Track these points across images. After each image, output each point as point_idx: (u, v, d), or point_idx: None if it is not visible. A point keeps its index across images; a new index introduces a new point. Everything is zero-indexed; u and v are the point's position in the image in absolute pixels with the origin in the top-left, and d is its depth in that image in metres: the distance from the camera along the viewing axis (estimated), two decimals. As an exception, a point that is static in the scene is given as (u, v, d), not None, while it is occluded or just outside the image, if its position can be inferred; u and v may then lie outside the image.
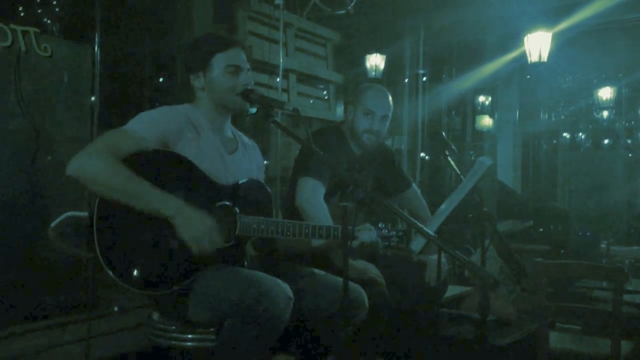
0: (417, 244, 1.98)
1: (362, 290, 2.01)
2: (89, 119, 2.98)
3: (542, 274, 2.50)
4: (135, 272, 1.67)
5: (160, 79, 3.60)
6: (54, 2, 2.88)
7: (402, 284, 2.46)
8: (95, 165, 1.63)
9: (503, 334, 3.14)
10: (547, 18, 4.89)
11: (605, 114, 7.24)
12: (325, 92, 5.09)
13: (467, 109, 7.86)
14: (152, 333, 1.91)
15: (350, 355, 2.02)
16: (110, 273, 1.64)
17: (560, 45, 5.20)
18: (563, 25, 4.99)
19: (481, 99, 7.28)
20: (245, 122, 4.11)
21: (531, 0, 4.88)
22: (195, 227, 1.69)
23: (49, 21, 2.93)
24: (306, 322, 1.97)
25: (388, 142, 6.06)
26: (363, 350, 2.25)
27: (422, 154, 6.30)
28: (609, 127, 7.56)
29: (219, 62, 1.91)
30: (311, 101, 4.95)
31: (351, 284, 1.98)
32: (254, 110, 1.87)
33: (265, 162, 4.17)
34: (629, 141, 7.62)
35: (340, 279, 1.67)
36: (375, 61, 5.42)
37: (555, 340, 2.70)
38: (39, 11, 2.80)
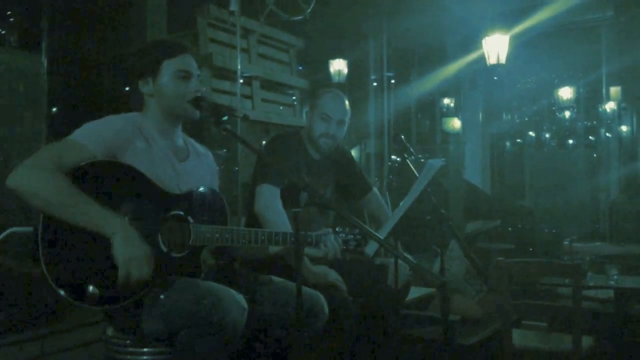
0: (371, 247, 1.99)
1: (321, 296, 2.00)
2: (44, 130, 2.91)
3: (503, 273, 2.53)
4: (83, 288, 1.62)
5: (118, 87, 3.54)
6: (5, 13, 2.81)
7: (364, 288, 2.46)
8: (35, 179, 1.58)
9: (469, 333, 3.18)
10: (504, 21, 4.97)
11: (567, 114, 7.40)
12: (294, 98, 5.09)
13: (435, 111, 7.95)
14: (107, 348, 1.87)
15: (313, 362, 2.01)
16: (58, 290, 1.58)
17: (520, 47, 5.29)
18: (520, 27, 5.08)
19: (446, 101, 7.37)
20: (212, 130, 4.08)
21: (488, 3, 4.96)
22: (131, 249, 1.62)
23: (3, 32, 2.86)
24: (266, 330, 1.96)
25: (357, 148, 6.10)
26: (326, 356, 2.24)
27: (393, 157, 6.35)
28: (571, 126, 7.73)
29: (169, 67, 1.88)
30: (281, 107, 4.93)
31: (310, 291, 1.98)
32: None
33: (236, 168, 4.16)
34: (592, 138, 7.79)
35: None
36: (339, 66, 5.44)
37: (520, 338, 2.73)
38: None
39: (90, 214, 1.61)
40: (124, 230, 1.63)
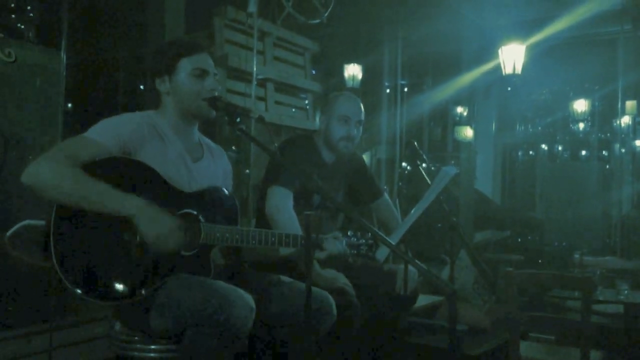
0: (382, 253, 1.99)
1: (330, 297, 2.00)
2: (59, 126, 2.93)
3: (512, 284, 2.51)
4: (93, 283, 1.63)
5: (134, 86, 3.57)
6: (25, 8, 2.84)
7: (372, 293, 2.45)
8: (49, 172, 1.59)
9: (476, 343, 3.15)
10: (521, 30, 4.96)
11: (581, 126, 7.35)
12: (307, 102, 5.09)
13: (447, 119, 7.93)
14: (115, 344, 1.87)
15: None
16: (68, 284, 1.59)
17: (536, 57, 5.27)
18: (536, 37, 5.06)
19: (459, 109, 7.35)
20: (225, 131, 4.09)
21: (505, 13, 4.94)
22: (157, 226, 1.66)
23: (22, 26, 2.89)
24: (273, 330, 1.96)
25: (368, 153, 6.10)
26: (332, 360, 2.24)
27: (404, 164, 6.35)
28: (585, 139, 7.68)
29: (185, 65, 1.89)
30: (294, 110, 4.93)
31: (319, 291, 1.98)
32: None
33: (247, 171, 4.17)
34: (605, 153, 7.73)
35: None
36: (354, 71, 5.43)
37: (527, 350, 2.70)
38: (5, 16, 2.76)
39: (105, 198, 1.63)
40: (145, 210, 1.66)
